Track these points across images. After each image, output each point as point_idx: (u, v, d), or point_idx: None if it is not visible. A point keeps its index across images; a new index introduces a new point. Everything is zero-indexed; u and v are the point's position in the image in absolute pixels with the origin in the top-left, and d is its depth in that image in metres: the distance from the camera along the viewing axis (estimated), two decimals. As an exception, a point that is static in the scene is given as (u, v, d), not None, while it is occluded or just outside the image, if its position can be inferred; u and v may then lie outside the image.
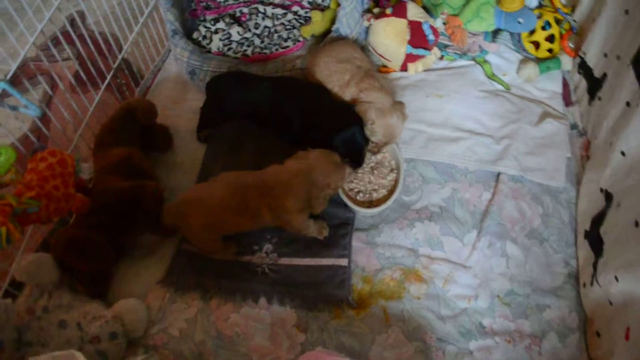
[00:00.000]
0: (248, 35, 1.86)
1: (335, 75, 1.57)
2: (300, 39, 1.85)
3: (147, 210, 1.43)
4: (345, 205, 1.49)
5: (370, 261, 1.45)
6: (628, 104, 1.35)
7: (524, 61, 1.81)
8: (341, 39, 1.74)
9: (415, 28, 1.72)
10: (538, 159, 1.59)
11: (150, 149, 1.66)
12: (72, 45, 1.69)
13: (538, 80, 1.79)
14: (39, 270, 1.34)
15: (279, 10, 1.89)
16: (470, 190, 1.56)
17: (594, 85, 1.61)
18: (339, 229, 1.49)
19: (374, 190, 1.52)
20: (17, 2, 1.47)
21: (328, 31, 1.78)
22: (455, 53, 1.83)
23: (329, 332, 1.35)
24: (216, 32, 1.85)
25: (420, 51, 1.73)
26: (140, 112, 1.56)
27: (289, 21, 1.88)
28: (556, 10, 1.80)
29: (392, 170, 1.56)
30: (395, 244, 1.47)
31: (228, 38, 1.84)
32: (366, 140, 1.50)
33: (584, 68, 1.68)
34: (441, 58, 1.85)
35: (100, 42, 1.76)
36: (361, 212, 1.48)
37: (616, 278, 1.19)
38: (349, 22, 1.74)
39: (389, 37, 1.73)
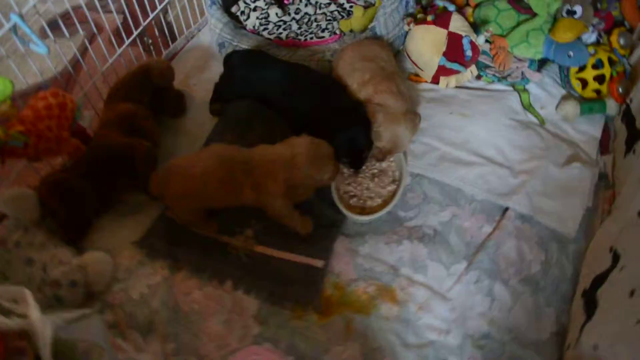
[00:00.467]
0: (286, 18, 1.83)
1: (356, 73, 1.51)
2: (338, 31, 1.79)
3: (137, 169, 1.42)
4: (336, 206, 1.43)
5: (347, 269, 1.38)
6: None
7: (566, 97, 1.68)
8: (376, 38, 1.67)
9: (454, 41, 1.63)
10: (554, 202, 1.47)
11: (162, 112, 1.66)
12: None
13: (578, 120, 1.65)
14: (20, 204, 1.36)
15: (324, 0, 1.85)
16: (471, 219, 1.45)
17: (633, 136, 1.47)
18: (324, 229, 1.43)
19: (370, 197, 1.45)
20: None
21: (367, 29, 1.72)
22: (495, 75, 1.72)
23: (286, 331, 1.29)
24: (255, 9, 1.82)
25: (455, 65, 1.63)
26: (155, 73, 1.56)
27: (331, 12, 1.83)
28: (612, 50, 1.66)
29: (394, 181, 1.48)
30: (377, 257, 1.40)
31: (265, 18, 1.81)
32: (370, 143, 1.43)
33: (627, 116, 1.54)
34: (479, 78, 1.75)
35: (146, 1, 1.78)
36: (350, 216, 1.41)
37: (595, 347, 1.07)
38: (387, 23, 1.67)
39: (424, 45, 1.65)
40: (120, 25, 1.81)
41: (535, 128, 1.64)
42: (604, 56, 1.64)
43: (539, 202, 1.47)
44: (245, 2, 1.85)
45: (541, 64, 1.75)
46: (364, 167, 1.48)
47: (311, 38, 1.80)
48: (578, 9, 1.61)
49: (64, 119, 1.34)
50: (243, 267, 1.39)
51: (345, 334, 1.29)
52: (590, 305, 1.22)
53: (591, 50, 1.66)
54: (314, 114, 1.44)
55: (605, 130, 1.65)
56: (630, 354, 0.99)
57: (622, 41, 1.66)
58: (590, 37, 1.69)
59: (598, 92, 1.66)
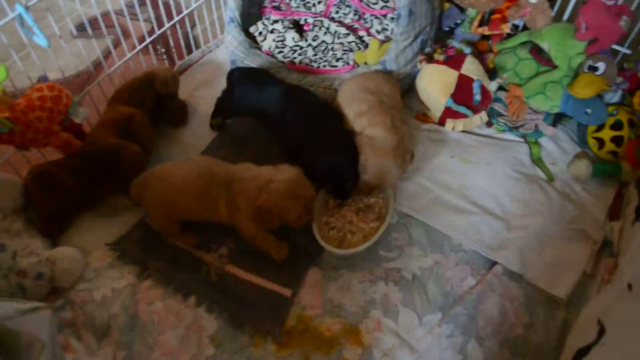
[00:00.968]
0: (303, 44, 1.82)
1: (354, 103, 1.48)
2: (351, 62, 1.77)
3: (122, 171, 1.42)
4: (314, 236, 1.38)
5: (315, 302, 1.33)
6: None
7: (579, 156, 1.58)
8: (384, 72, 1.64)
9: (464, 83, 1.58)
10: (548, 263, 1.37)
11: (163, 121, 1.67)
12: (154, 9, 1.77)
13: (589, 181, 1.55)
14: (3, 189, 1.38)
15: (343, 30, 1.83)
16: (455, 269, 1.37)
17: (642, 204, 1.36)
18: (300, 257, 1.39)
19: (351, 231, 1.39)
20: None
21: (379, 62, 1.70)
22: (506, 124, 1.65)
23: (240, 357, 1.24)
24: (272, 31, 1.83)
25: (462, 109, 1.57)
26: (160, 81, 1.57)
27: (349, 42, 1.81)
28: (634, 112, 1.56)
29: (379, 218, 1.42)
30: (348, 294, 1.33)
31: (282, 41, 1.81)
32: (355, 175, 1.38)
33: (640, 183, 1.44)
34: (489, 125, 1.69)
35: (174, 13, 1.83)
36: (326, 248, 1.35)
37: None
38: (398, 59, 1.64)
39: (432, 84, 1.60)
40: (146, 34, 1.86)
41: (541, 183, 1.55)
42: (624, 117, 1.54)
43: (531, 260, 1.37)
44: (263, 24, 1.86)
45: (557, 119, 1.67)
46: (349, 200, 1.43)
47: (324, 66, 1.79)
48: (601, 65, 1.53)
49: (57, 112, 1.36)
50: (210, 284, 1.36)
51: (300, 370, 1.23)
52: (568, 379, 1.11)
53: (612, 110, 1.57)
54: (304, 137, 1.41)
55: (618, 195, 1.54)
56: None
57: (645, 104, 1.57)
58: (613, 96, 1.61)
59: (614, 154, 1.56)
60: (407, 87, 1.72)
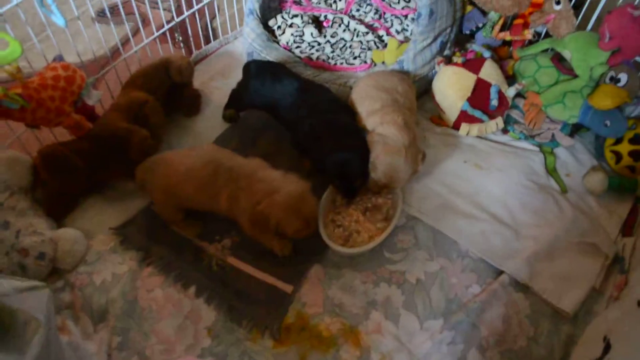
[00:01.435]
0: (321, 40, 1.81)
1: (368, 101, 1.46)
2: (369, 61, 1.75)
3: (130, 155, 1.41)
4: (319, 234, 1.36)
5: (316, 300, 1.30)
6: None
7: (595, 169, 1.54)
8: (400, 72, 1.62)
9: (481, 88, 1.55)
10: (556, 275, 1.33)
11: (177, 109, 1.67)
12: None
13: (604, 194, 1.51)
14: (13, 167, 1.38)
15: (362, 28, 1.81)
16: (460, 276, 1.34)
17: (658, 221, 1.33)
18: (303, 254, 1.37)
19: (357, 231, 1.37)
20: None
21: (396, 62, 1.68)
22: (522, 132, 1.62)
23: (236, 351, 1.22)
24: (291, 25, 1.82)
25: (477, 113, 1.54)
26: (174, 68, 1.57)
27: (368, 41, 1.79)
28: (655, 126, 1.52)
29: (386, 218, 1.39)
30: (350, 294, 1.31)
31: (300, 36, 1.80)
32: (364, 173, 1.36)
33: (657, 199, 1.40)
34: (505, 132, 1.65)
35: (194, 3, 1.82)
36: (331, 246, 1.33)
37: None
38: (415, 59, 1.61)
39: (449, 87, 1.57)
40: (165, 23, 1.86)
41: (554, 194, 1.51)
42: (644, 132, 1.51)
43: (539, 272, 1.34)
44: (283, 18, 1.85)
45: (575, 129, 1.63)
46: (357, 199, 1.41)
47: (341, 63, 1.77)
48: (623, 77, 1.50)
49: (69, 92, 1.35)
50: (211, 275, 1.34)
51: (296, 368, 1.21)
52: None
53: (631, 123, 1.53)
54: (316, 132, 1.39)
55: (633, 211, 1.50)
56: None
57: (668, 119, 1.53)
58: (634, 110, 1.57)
59: (632, 168, 1.52)
60: (423, 89, 1.69)
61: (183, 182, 1.29)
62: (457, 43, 1.76)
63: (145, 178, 1.35)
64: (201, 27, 1.99)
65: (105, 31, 1.75)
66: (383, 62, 1.75)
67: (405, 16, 1.83)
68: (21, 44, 1.21)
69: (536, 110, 1.60)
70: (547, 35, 1.70)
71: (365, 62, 1.76)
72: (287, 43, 1.81)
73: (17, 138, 1.48)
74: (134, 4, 1.63)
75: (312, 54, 1.79)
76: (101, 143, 1.42)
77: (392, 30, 1.84)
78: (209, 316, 1.28)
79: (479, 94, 1.55)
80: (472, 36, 1.81)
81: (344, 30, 1.84)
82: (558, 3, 1.58)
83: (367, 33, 1.81)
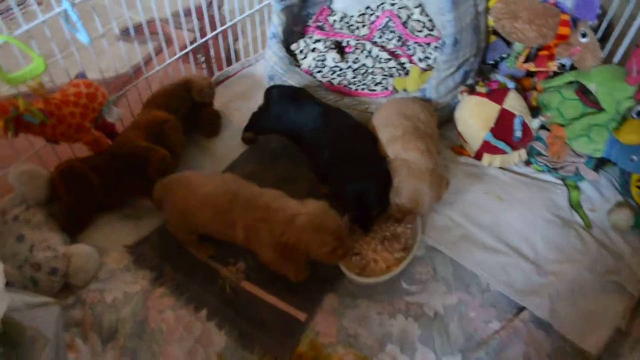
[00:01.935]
0: (343, 65, 1.81)
1: (389, 128, 1.44)
2: (390, 88, 1.74)
3: (148, 174, 1.41)
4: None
5: (329, 330, 1.27)
6: None
7: (621, 205, 1.50)
8: (422, 99, 1.60)
9: (505, 118, 1.52)
10: (579, 313, 1.29)
11: (196, 129, 1.66)
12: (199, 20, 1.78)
13: (629, 231, 1.47)
14: (31, 181, 1.38)
15: (384, 55, 1.81)
16: (480, 310, 1.30)
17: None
18: (318, 282, 1.33)
19: (374, 260, 1.34)
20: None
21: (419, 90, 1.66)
22: (546, 165, 1.58)
23: (245, 379, 1.19)
24: (313, 50, 1.82)
25: (501, 144, 1.52)
26: (196, 88, 1.57)
27: (390, 68, 1.79)
28: (683, 164, 1.48)
29: (405, 248, 1.36)
30: (365, 325, 1.27)
31: (322, 61, 1.80)
32: (380, 204, 1.33)
33: (686, 239, 1.35)
34: (528, 164, 1.62)
35: (218, 24, 1.84)
36: (347, 274, 1.30)
37: None
38: (438, 88, 1.60)
39: (472, 117, 1.55)
40: (188, 43, 1.87)
41: (578, 229, 1.47)
42: (672, 169, 1.46)
43: (561, 309, 1.29)
44: (305, 42, 1.85)
45: (600, 164, 1.60)
46: (376, 227, 1.38)
47: (362, 89, 1.76)
48: (651, 112, 1.47)
49: (90, 109, 1.36)
50: (224, 299, 1.32)
51: (306, 400, 1.17)
52: None
53: (659, 159, 1.49)
54: (336, 159, 1.37)
55: (660, 250, 1.45)
56: None
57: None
58: (661, 146, 1.53)
59: (659, 206, 1.48)
60: (445, 117, 1.67)
61: (200, 208, 1.27)
62: (480, 73, 1.75)
63: (163, 197, 1.34)
64: (224, 49, 2.00)
65: (129, 49, 1.77)
66: (405, 90, 1.74)
67: (428, 44, 1.83)
68: (45, 60, 1.22)
69: (560, 143, 1.56)
70: (572, 67, 1.68)
71: (387, 88, 1.75)
72: (309, 67, 1.81)
73: (35, 152, 1.48)
74: (158, 24, 1.64)
75: (334, 79, 1.79)
76: (119, 160, 1.42)
77: (415, 58, 1.83)
78: (220, 341, 1.25)
79: (503, 125, 1.52)
80: (495, 66, 1.80)
81: (366, 57, 1.84)
82: (584, 36, 1.57)
83: (390, 60, 1.81)
